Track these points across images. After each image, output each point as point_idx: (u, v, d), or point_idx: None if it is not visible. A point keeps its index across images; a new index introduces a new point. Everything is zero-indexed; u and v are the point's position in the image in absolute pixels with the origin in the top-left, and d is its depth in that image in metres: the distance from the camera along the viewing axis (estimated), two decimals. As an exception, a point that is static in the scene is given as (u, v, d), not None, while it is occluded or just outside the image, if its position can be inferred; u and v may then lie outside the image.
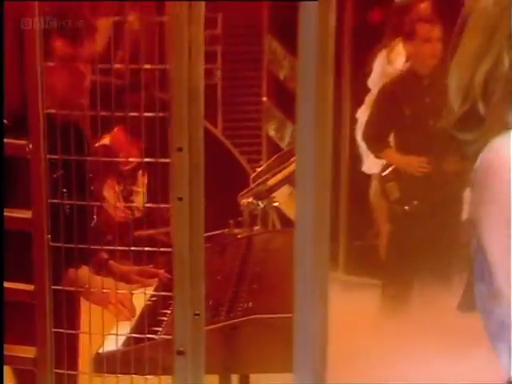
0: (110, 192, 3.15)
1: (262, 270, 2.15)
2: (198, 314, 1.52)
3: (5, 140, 1.48)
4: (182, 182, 1.41)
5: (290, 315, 1.58)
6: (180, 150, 1.38)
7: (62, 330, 1.59)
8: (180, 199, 1.40)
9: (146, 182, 3.11)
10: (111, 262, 2.08)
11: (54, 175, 1.60)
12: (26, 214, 1.50)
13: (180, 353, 1.46)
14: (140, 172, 3.11)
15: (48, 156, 1.50)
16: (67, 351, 1.64)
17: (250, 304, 1.89)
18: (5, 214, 1.47)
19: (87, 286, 1.84)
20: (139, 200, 3.17)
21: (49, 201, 1.51)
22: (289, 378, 1.56)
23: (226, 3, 4.56)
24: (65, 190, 1.62)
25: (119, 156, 2.91)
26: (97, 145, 2.75)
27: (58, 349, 1.61)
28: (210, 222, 1.62)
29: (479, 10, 1.04)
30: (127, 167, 3.12)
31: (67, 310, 1.67)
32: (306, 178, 1.15)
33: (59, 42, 1.82)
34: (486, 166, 1.01)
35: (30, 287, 1.56)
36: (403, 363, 2.63)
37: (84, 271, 1.97)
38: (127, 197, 3.21)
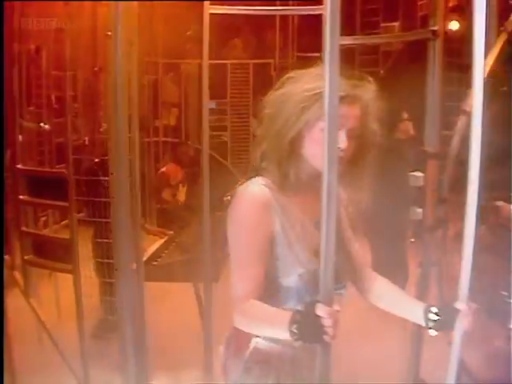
0: (168, 191, 5.95)
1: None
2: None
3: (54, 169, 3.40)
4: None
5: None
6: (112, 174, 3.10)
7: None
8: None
9: (185, 188, 5.33)
10: None
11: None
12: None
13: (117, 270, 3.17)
14: (181, 184, 5.38)
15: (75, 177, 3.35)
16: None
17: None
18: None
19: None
20: (181, 196, 5.95)
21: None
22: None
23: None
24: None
25: (171, 177, 5.12)
26: (159, 171, 5.41)
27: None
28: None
29: None
30: (175, 181, 6.18)
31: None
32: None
33: None
34: (232, 202, 1.52)
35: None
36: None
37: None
38: (174, 195, 6.16)
